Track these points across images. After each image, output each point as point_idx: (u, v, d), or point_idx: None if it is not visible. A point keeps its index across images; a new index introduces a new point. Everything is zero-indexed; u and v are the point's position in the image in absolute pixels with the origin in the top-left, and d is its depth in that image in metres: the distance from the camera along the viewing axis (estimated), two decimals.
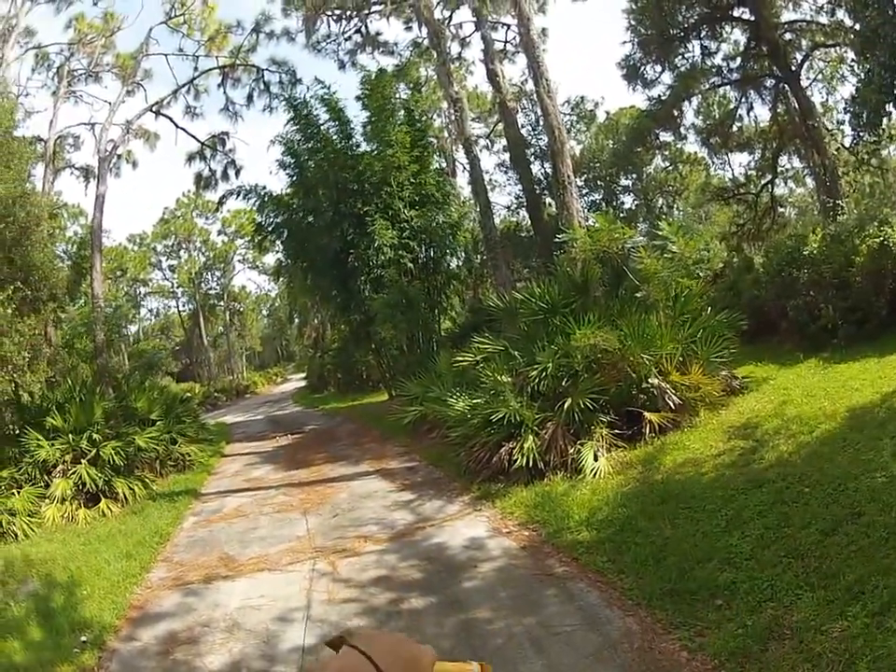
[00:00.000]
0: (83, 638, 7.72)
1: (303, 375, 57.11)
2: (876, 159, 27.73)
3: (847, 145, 26.12)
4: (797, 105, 26.33)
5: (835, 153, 26.66)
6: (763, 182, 31.32)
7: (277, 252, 32.00)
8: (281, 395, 53.12)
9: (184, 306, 76.06)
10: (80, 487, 14.48)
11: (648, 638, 6.23)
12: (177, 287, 73.45)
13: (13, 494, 13.72)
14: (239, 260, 73.09)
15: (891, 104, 18.05)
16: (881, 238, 13.41)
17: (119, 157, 32.11)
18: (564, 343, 12.12)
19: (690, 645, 5.94)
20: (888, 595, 5.48)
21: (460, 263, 27.33)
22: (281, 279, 40.25)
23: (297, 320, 47.49)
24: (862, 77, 19.71)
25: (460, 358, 14.49)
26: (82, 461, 15.00)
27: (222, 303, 74.73)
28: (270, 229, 26.79)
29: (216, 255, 70.47)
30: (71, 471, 14.71)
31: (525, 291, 14.41)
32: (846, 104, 21.84)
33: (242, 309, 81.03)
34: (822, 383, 11.80)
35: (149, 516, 13.42)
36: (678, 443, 10.94)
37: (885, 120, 20.01)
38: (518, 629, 6.78)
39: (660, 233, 13.99)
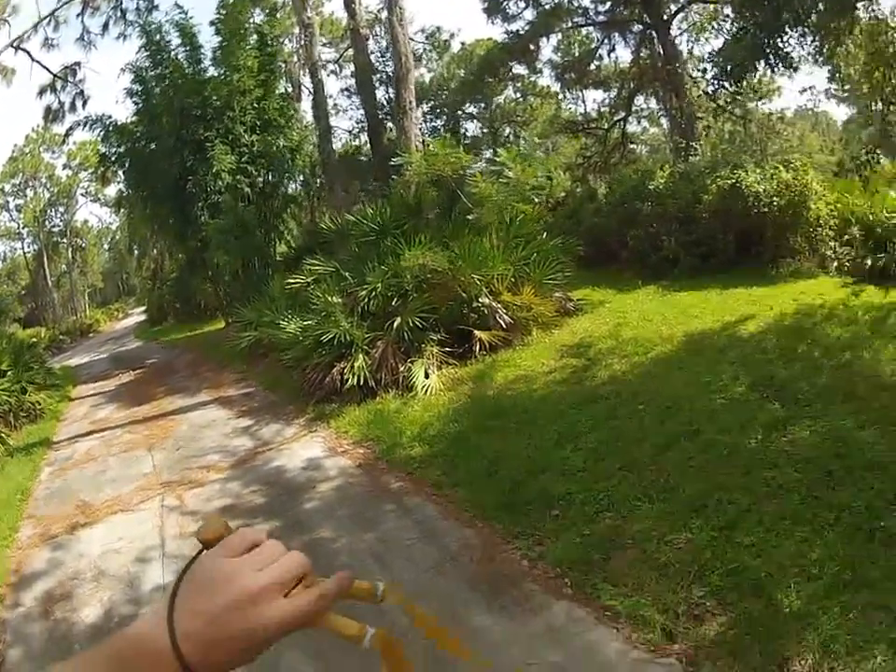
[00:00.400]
0: None
1: (144, 309, 55.66)
2: (740, 108, 28.39)
3: (709, 91, 26.58)
4: (662, 52, 26.55)
5: (695, 99, 27.08)
6: (615, 119, 31.60)
7: (120, 183, 30.91)
8: (123, 330, 51.73)
9: (28, 247, 72.88)
10: None
11: (487, 549, 6.22)
12: (23, 228, 70.38)
13: None
14: (82, 194, 70.43)
15: (760, 62, 18.42)
16: (733, 180, 13.66)
17: None
18: (394, 264, 12.01)
19: (530, 554, 5.94)
20: (733, 511, 5.58)
21: (299, 187, 27.01)
22: (122, 210, 38.84)
23: (136, 252, 46.02)
24: (735, 32, 20.05)
25: (292, 281, 14.17)
26: None
27: (65, 240, 71.98)
28: (113, 159, 25.70)
29: (60, 190, 67.68)
30: None
31: (357, 213, 14.23)
32: (710, 55, 22.19)
33: (84, 245, 78.30)
34: (661, 308, 12.01)
35: (10, 474, 12.68)
36: (509, 361, 11.03)
37: (749, 75, 20.45)
38: (360, 546, 6.77)
39: (498, 159, 13.89)
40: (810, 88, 49.64)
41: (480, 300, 11.69)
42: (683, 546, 5.36)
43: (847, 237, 13.12)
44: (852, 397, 6.93)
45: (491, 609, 5.36)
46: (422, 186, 13.84)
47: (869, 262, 11.94)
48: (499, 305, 11.69)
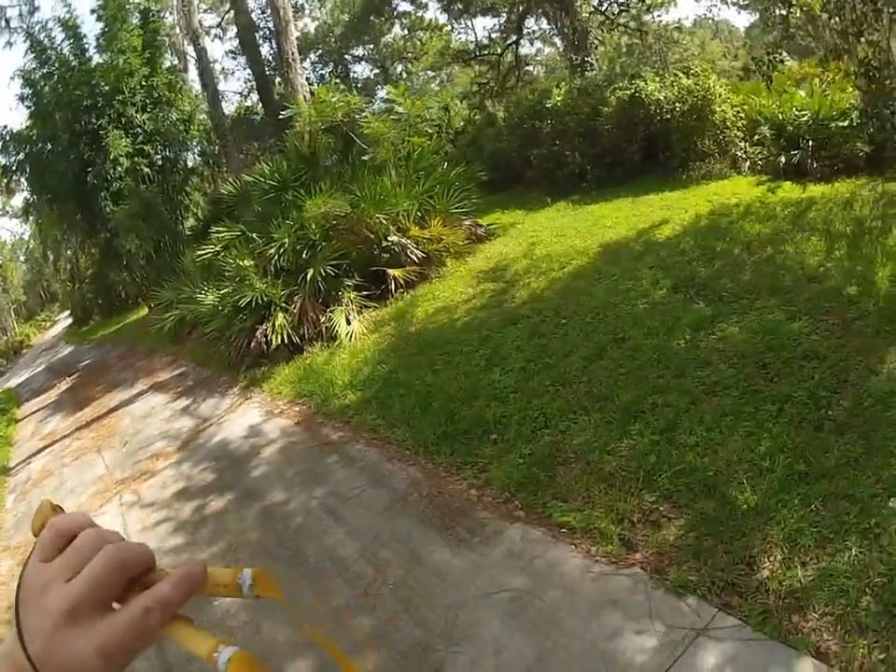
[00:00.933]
0: None
1: (69, 312, 54.67)
2: (635, 21, 28.27)
3: (601, 7, 26.44)
4: None
5: (587, 16, 26.87)
6: (507, 43, 31.23)
7: (24, 190, 30.18)
8: (53, 339, 50.50)
9: None
10: None
11: (434, 484, 6.31)
12: None
13: None
14: None
15: None
16: (632, 90, 13.70)
17: None
18: (298, 217, 11.94)
19: (476, 482, 6.04)
20: (671, 413, 5.70)
21: (197, 158, 26.60)
22: (30, 218, 37.82)
23: (51, 257, 44.97)
24: None
25: (201, 252, 13.93)
26: None
27: None
28: (14, 168, 25.09)
29: None
30: None
31: (255, 172, 14.04)
32: None
33: (0, 262, 76.46)
34: (573, 223, 12.08)
35: None
36: (427, 295, 11.10)
37: None
38: (313, 503, 6.82)
39: (387, 97, 13.99)
40: None
41: (388, 238, 11.70)
42: (626, 453, 5.48)
43: (757, 137, 13.24)
44: (778, 290, 7.08)
45: (448, 543, 5.44)
46: (315, 134, 13.66)
47: (783, 160, 12.05)
48: (409, 241, 11.73)
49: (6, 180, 26.72)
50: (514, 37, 30.82)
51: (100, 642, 0.69)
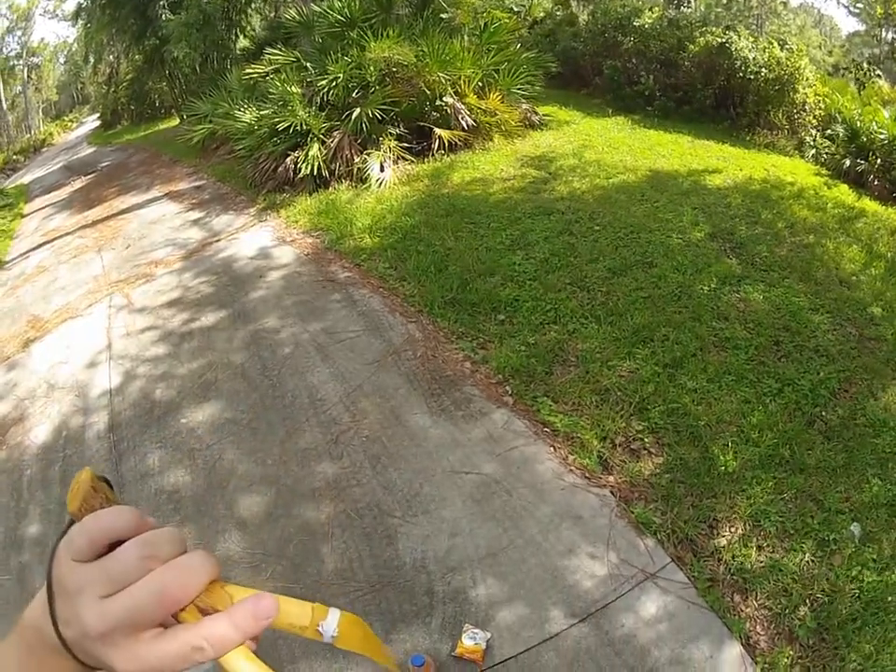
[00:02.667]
0: None
1: (98, 115, 54.43)
2: None
3: None
4: None
5: None
6: None
7: None
8: (76, 139, 50.44)
9: None
10: None
11: (430, 346, 6.22)
12: None
13: None
14: (40, 14, 68.14)
15: None
16: (723, 40, 13.23)
17: None
18: (358, 56, 11.59)
19: (473, 356, 5.95)
20: (679, 351, 5.58)
21: None
22: (79, 21, 37.41)
23: (91, 60, 44.55)
24: None
25: (250, 71, 13.62)
26: None
27: (21, 62, 69.60)
28: None
29: (18, 16, 65.15)
30: None
31: (324, 5, 13.52)
32: None
33: (39, 62, 75.82)
34: (628, 140, 11.75)
35: None
36: (468, 162, 10.86)
37: None
38: (304, 337, 6.77)
39: None
40: None
41: (444, 99, 11.42)
42: (626, 375, 5.40)
43: (829, 132, 12.87)
44: (809, 278, 6.89)
45: (431, 410, 5.40)
46: None
47: (847, 163, 11.67)
48: (463, 106, 11.44)
49: None
50: None
51: (135, 664, 0.60)
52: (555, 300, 6.48)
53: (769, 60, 12.69)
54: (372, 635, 0.68)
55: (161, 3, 21.24)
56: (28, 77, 70.56)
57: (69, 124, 70.11)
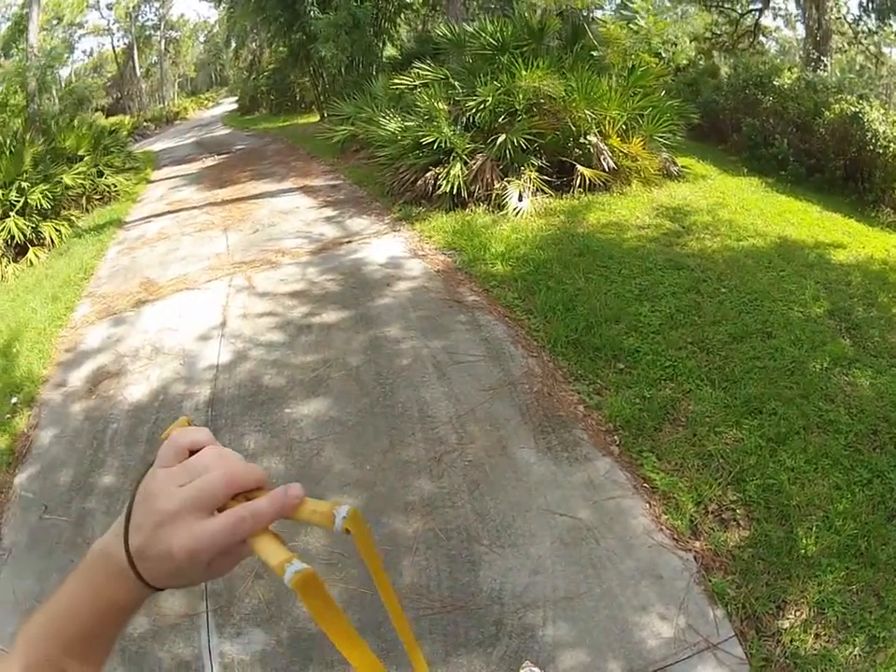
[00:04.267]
0: (14, 399, 7.34)
1: (236, 99, 55.30)
2: (875, 46, 27.16)
3: (849, 18, 25.45)
4: None
5: (835, 19, 25.89)
6: (751, 7, 30.16)
7: None
8: (211, 118, 51.48)
9: (119, 41, 71.84)
10: (9, 242, 13.46)
11: (548, 384, 6.21)
12: (113, 24, 69.20)
13: None
14: None
15: None
16: (857, 109, 13.01)
17: None
18: (508, 82, 11.65)
19: (587, 401, 5.94)
20: (784, 426, 5.50)
21: None
22: (222, 4, 38.03)
23: (234, 44, 45.27)
24: None
25: (398, 81, 13.93)
26: (11, 214, 13.84)
27: (158, 33, 71.06)
28: None
29: None
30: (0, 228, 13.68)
31: (476, 26, 13.68)
32: None
33: (178, 37, 77.32)
34: (760, 203, 11.59)
35: (74, 254, 12.73)
36: (605, 205, 10.84)
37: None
38: (424, 352, 6.81)
39: (631, 5, 13.55)
40: None
41: (588, 137, 11.40)
42: (731, 443, 5.34)
43: None
44: None
45: (538, 447, 5.41)
46: (549, 12, 13.44)
47: None
48: (606, 147, 11.42)
49: None
50: (759, 5, 29.76)
51: (191, 539, 0.77)
52: (675, 357, 6.45)
53: None
54: (371, 537, 0.84)
55: (310, 0, 21.41)
56: (165, 49, 72.05)
57: (205, 102, 71.70)
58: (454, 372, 6.43)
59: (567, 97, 11.31)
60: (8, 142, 15.83)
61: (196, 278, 9.75)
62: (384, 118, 12.71)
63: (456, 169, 11.02)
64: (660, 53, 13.58)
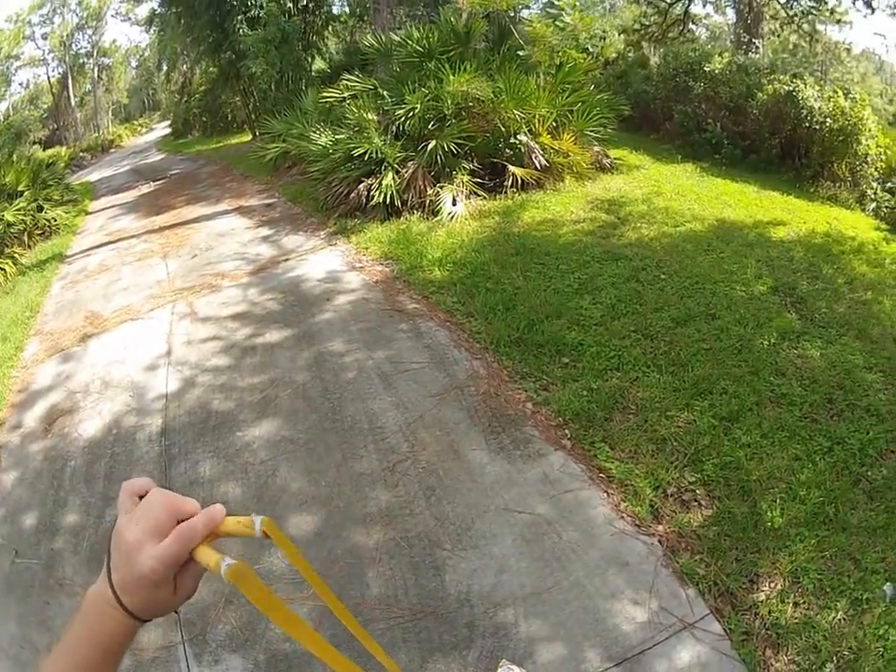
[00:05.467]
0: None
1: (169, 123, 55.21)
2: (809, 25, 27.49)
3: (782, 1, 25.74)
4: None
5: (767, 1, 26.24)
6: None
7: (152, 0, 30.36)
8: (146, 144, 51.36)
9: (53, 71, 71.45)
10: None
11: (494, 384, 6.23)
12: (48, 54, 68.90)
13: None
14: (112, 15, 69.31)
15: None
16: (791, 88, 13.29)
17: None
18: (436, 88, 11.70)
19: (535, 398, 5.97)
20: (736, 404, 5.59)
21: (344, 7, 26.76)
22: (153, 28, 37.98)
23: (165, 67, 45.30)
24: None
25: (327, 95, 13.86)
26: None
27: (91, 61, 70.85)
28: None
29: (89, 14, 66.44)
30: None
31: (402, 34, 13.69)
32: None
33: (111, 63, 77.10)
34: (696, 188, 11.76)
35: (20, 292, 12.56)
36: (539, 202, 10.93)
37: None
38: (369, 364, 6.83)
39: (557, 2, 13.56)
40: (881, 35, 48.98)
41: (518, 137, 11.50)
42: (683, 426, 5.41)
43: (890, 185, 12.95)
44: (865, 336, 6.82)
45: (489, 447, 5.43)
46: (474, 16, 13.29)
47: None
48: (537, 146, 11.51)
49: None
50: None
51: (153, 558, 0.95)
52: (619, 346, 6.51)
53: (834, 110, 12.73)
54: (290, 541, 1.02)
55: (239, 17, 21.35)
56: (98, 76, 71.76)
57: (139, 128, 71.32)
58: (399, 381, 6.45)
59: (495, 98, 11.37)
60: None
61: (139, 308, 9.71)
62: (314, 132, 12.70)
63: (389, 179, 11.04)
64: (588, 49, 13.63)
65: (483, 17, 13.35)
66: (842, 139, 12.80)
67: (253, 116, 25.84)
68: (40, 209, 17.32)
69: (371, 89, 12.95)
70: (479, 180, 11.36)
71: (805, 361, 6.27)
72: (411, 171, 11.12)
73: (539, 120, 11.72)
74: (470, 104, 11.38)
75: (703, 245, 8.93)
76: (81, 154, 48.59)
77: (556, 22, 13.22)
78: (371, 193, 11.03)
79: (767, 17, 25.84)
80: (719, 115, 14.55)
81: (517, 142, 11.51)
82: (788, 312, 7.20)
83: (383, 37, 14.07)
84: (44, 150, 43.68)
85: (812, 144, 13.12)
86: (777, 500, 4.60)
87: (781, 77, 14.22)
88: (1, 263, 13.89)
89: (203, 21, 22.98)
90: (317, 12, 23.74)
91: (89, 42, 68.98)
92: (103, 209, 20.03)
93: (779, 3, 25.66)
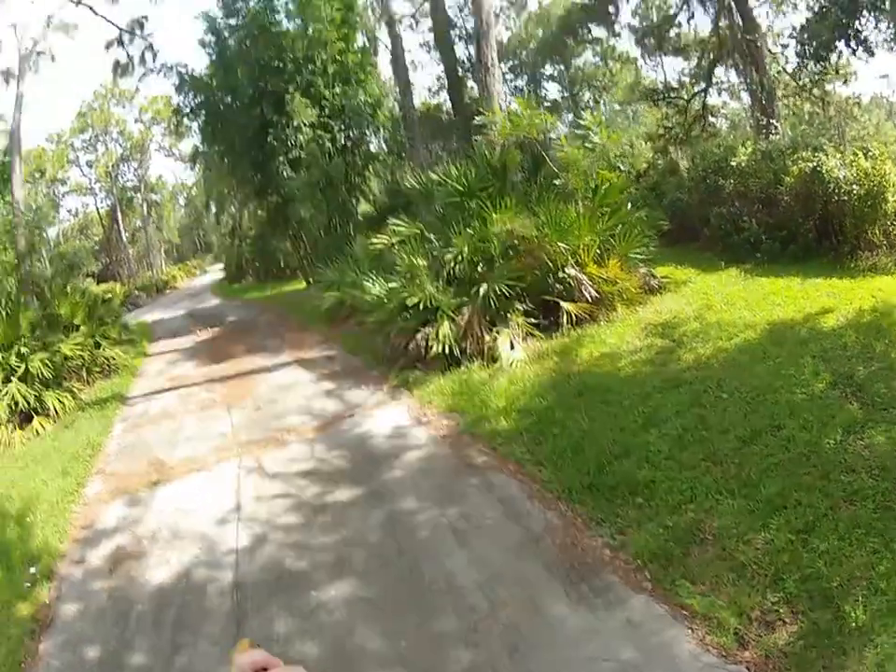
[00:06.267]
0: (32, 570, 7.51)
1: (222, 266, 56.38)
2: (819, 89, 27.59)
3: (790, 70, 25.96)
4: (741, 22, 25.51)
5: (776, 75, 26.38)
6: (696, 90, 30.51)
7: (194, 137, 31.30)
8: (201, 287, 52.28)
9: (101, 202, 73.11)
10: (13, 408, 13.85)
11: (570, 534, 6.22)
12: (95, 183, 70.73)
13: None
14: (156, 149, 70.98)
15: (842, 41, 18.08)
16: (814, 164, 13.21)
17: (39, 54, 30.44)
18: (480, 228, 11.92)
19: (612, 542, 5.94)
20: (811, 514, 5.51)
21: (381, 144, 27.11)
22: (198, 165, 38.83)
23: (213, 209, 46.23)
24: (815, 10, 19.76)
25: (376, 241, 14.12)
26: (12, 378, 14.38)
27: (139, 195, 72.64)
28: (188, 111, 25.95)
29: (132, 145, 68.13)
30: (3, 392, 14.04)
31: (441, 173, 14.00)
32: (794, 31, 21.89)
33: (159, 200, 78.93)
34: (743, 293, 11.75)
35: (80, 428, 13.03)
36: (594, 336, 10.92)
37: (831, 55, 20.12)
38: (442, 521, 6.82)
39: (583, 123, 13.68)
40: (885, 76, 48.80)
41: (566, 270, 11.56)
42: (761, 547, 5.34)
43: None
44: None
45: (570, 598, 5.39)
46: (507, 147, 13.62)
47: None
48: (585, 277, 11.55)
49: (176, 121, 27.60)
50: (704, 85, 30.22)
51: None
52: (690, 477, 6.48)
53: (857, 174, 12.57)
54: None
55: (280, 158, 22.05)
56: (147, 213, 73.27)
57: (193, 270, 73.15)
58: (474, 537, 6.46)
59: (539, 233, 11.53)
60: (3, 302, 16.34)
61: (205, 459, 9.89)
62: (367, 281, 12.92)
63: (445, 327, 11.14)
64: (619, 167, 13.79)
65: (516, 146, 13.62)
66: (870, 203, 12.56)
67: (305, 262, 26.30)
68: (97, 346, 17.84)
69: (417, 233, 13.19)
70: (533, 320, 11.42)
71: (873, 451, 6.20)
72: (466, 318, 11.23)
73: (583, 250, 11.82)
74: (516, 241, 11.56)
75: (758, 354, 8.89)
76: (136, 293, 49.65)
77: (585, 144, 13.32)
78: (430, 343, 11.11)
79: (779, 94, 26.09)
80: (752, 210, 14.52)
81: (566, 275, 11.58)
82: (849, 403, 7.12)
83: (423, 177, 14.42)
84: (97, 284, 44.37)
85: (844, 217, 12.91)
86: (860, 599, 4.54)
87: (804, 154, 14.13)
88: (60, 396, 14.36)
89: (246, 162, 23.73)
90: (356, 151, 24.30)
91: (135, 175, 70.39)
92: (162, 352, 20.60)
93: (787, 73, 25.97)
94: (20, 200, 23.88)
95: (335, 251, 18.08)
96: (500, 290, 11.22)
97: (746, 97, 32.30)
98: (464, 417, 9.31)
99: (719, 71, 31.06)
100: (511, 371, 10.38)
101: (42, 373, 14.56)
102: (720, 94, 36.09)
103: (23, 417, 13.93)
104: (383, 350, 12.48)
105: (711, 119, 30.90)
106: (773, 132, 18.72)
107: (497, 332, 11.07)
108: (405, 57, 24.15)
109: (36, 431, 13.57)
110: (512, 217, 11.58)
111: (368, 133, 24.87)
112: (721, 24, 27.33)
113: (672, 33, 30.63)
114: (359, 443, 9.31)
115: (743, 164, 15.26)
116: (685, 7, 29.04)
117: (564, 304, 11.43)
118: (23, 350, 14.91)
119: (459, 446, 8.54)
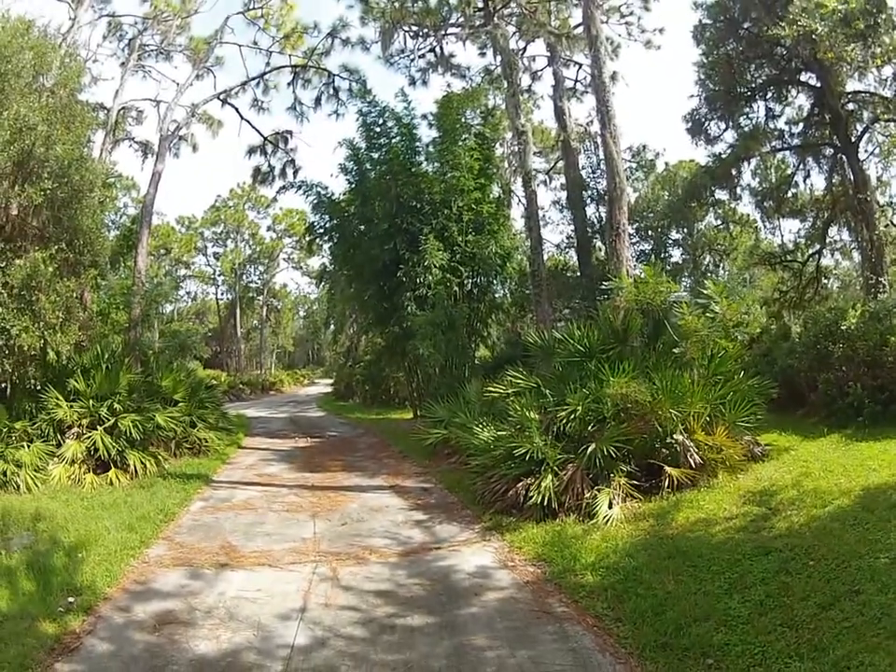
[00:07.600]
0: (70, 599, 7.94)
1: (331, 381, 57.50)
2: None
3: None
4: (852, 178, 25.74)
5: (884, 229, 26.35)
6: (810, 251, 30.69)
7: (324, 256, 32.63)
8: (306, 397, 53.08)
9: (222, 295, 76.48)
10: (92, 453, 14.66)
11: None
12: (219, 275, 73.91)
13: (23, 447, 13.94)
14: (284, 259, 73.74)
15: None
16: None
17: (181, 138, 32.64)
18: (596, 388, 12.16)
19: None
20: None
21: (506, 294, 27.67)
22: (323, 284, 40.18)
23: (332, 326, 47.52)
24: None
25: (492, 389, 14.53)
26: (98, 428, 15.19)
27: (261, 298, 75.17)
28: (321, 230, 27.19)
29: (262, 250, 71.10)
30: (86, 436, 14.93)
31: (564, 332, 14.48)
32: None
33: (279, 307, 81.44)
34: (842, 459, 11.75)
35: (157, 493, 13.59)
36: (692, 502, 10.94)
37: None
38: (510, 661, 6.84)
39: (704, 292, 14.09)
40: None
41: (674, 436, 11.70)
42: None
43: None
44: None
45: None
46: (630, 312, 14.04)
47: None
48: (692, 444, 11.67)
49: (309, 238, 29.21)
50: (818, 246, 30.45)
51: None
52: (764, 642, 6.54)
53: None
54: None
55: (407, 294, 22.72)
56: (266, 316, 75.47)
57: (301, 378, 74.80)
58: None
59: (653, 399, 11.74)
60: (106, 357, 17.22)
61: (280, 557, 10.05)
62: (477, 426, 13.33)
63: (548, 481, 11.30)
64: (736, 336, 13.99)
65: (638, 311, 14.03)
66: None
67: (416, 394, 26.89)
68: (193, 425, 18.63)
69: (533, 386, 13.61)
70: (635, 482, 11.48)
71: None
72: (570, 473, 11.39)
73: (693, 417, 11.98)
74: (629, 405, 11.73)
75: (849, 521, 8.88)
76: (241, 386, 50.94)
77: (706, 313, 13.67)
78: (530, 493, 11.27)
79: (888, 249, 25.89)
80: (858, 373, 14.47)
81: (673, 441, 11.71)
82: None
83: (545, 334, 15.01)
84: (204, 369, 45.68)
85: None
86: None
87: None
88: (144, 458, 15.07)
89: (373, 290, 24.61)
90: (482, 298, 25.00)
91: (259, 279, 72.93)
92: (256, 448, 21.27)
93: (893, 224, 25.81)
94: (142, 269, 25.15)
95: (447, 389, 18.45)
96: (607, 451, 11.41)
97: (857, 255, 32.28)
98: (551, 566, 9.40)
99: (832, 230, 31.09)
100: (606, 528, 10.46)
101: (130, 432, 15.27)
102: (832, 254, 35.97)
103: (99, 465, 14.63)
104: (480, 491, 12.65)
105: (824, 280, 30.78)
106: (881, 289, 18.59)
107: (598, 490, 11.17)
108: (538, 213, 24.73)
109: (111, 481, 14.21)
110: (629, 382, 11.83)
111: (495, 282, 25.56)
112: (833, 180, 27.51)
113: (789, 193, 30.75)
114: (441, 576, 9.40)
115: (852, 327, 15.25)
116: (801, 165, 29.31)
117: (668, 469, 11.53)
118: (116, 406, 15.68)
119: (541, 594, 8.61)
